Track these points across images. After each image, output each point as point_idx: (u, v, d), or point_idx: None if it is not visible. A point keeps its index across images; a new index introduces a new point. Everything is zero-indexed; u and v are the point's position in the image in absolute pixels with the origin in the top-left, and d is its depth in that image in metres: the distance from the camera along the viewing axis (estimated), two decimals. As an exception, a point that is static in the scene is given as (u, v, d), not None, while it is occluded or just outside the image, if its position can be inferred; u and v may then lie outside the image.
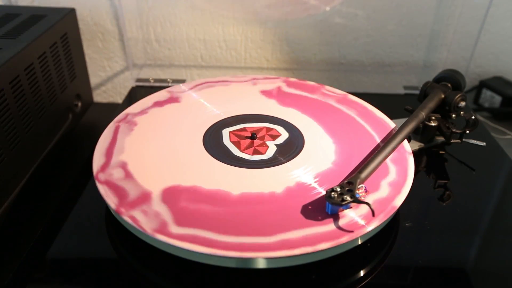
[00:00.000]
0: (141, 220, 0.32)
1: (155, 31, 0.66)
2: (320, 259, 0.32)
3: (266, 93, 0.50)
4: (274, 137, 0.42)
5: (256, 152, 0.40)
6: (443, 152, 0.47)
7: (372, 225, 0.32)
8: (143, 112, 0.46)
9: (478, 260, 0.35)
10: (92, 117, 0.61)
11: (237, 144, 0.41)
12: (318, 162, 0.39)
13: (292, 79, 0.53)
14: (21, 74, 0.44)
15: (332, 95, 0.50)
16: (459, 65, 0.67)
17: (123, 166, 0.38)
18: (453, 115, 0.45)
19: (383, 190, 0.36)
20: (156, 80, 0.62)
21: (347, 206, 0.33)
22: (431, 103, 0.45)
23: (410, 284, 0.33)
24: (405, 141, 0.41)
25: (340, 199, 0.32)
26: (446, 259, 0.35)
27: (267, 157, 0.40)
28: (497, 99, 0.65)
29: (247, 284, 0.32)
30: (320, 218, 0.33)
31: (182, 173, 0.37)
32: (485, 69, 0.69)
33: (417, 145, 0.46)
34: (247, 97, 0.49)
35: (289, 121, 0.45)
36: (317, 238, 0.31)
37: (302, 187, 0.36)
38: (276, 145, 0.41)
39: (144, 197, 0.35)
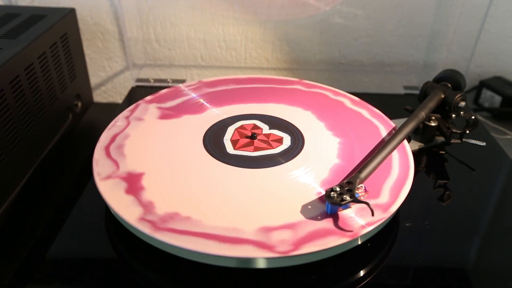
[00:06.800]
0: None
1: (155, 31, 0.66)
2: (320, 259, 0.32)
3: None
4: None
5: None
6: (443, 152, 0.47)
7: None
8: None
9: (478, 260, 0.35)
10: (92, 117, 0.61)
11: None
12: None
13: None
14: (21, 74, 0.44)
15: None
16: (459, 65, 0.67)
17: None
18: (453, 115, 0.45)
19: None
20: (156, 80, 0.62)
21: (347, 206, 0.33)
22: (431, 103, 0.45)
23: (410, 284, 0.33)
24: (405, 141, 0.41)
25: (340, 198, 0.32)
26: (446, 259, 0.35)
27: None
28: (497, 99, 0.65)
29: (247, 284, 0.32)
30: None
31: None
32: (485, 69, 0.69)
33: (417, 145, 0.46)
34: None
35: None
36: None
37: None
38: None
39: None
